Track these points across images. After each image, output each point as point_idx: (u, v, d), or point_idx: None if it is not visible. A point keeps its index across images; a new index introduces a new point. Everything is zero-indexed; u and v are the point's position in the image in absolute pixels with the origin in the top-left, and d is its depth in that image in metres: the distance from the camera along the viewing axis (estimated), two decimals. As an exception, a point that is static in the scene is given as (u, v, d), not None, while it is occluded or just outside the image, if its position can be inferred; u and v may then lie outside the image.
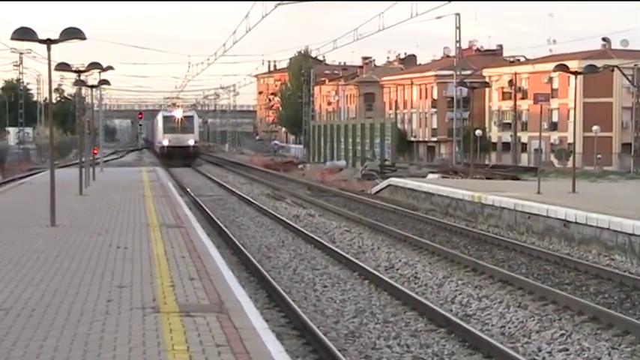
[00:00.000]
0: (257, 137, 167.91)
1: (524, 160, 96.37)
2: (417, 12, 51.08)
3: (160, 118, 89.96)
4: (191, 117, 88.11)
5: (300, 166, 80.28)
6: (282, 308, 17.27)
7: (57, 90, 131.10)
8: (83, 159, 38.76)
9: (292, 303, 17.23)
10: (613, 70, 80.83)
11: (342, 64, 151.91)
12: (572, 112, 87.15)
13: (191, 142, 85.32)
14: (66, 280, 14.91)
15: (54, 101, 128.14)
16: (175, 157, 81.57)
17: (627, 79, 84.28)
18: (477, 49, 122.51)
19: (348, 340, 15.31)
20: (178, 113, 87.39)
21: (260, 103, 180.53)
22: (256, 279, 20.84)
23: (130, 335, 10.95)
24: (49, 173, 24.55)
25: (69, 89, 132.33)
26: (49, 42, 22.79)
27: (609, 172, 66.10)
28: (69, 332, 11.11)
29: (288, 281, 21.13)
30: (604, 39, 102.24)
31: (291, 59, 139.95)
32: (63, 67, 32.44)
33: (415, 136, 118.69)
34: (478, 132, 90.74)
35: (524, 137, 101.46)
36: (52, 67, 24.88)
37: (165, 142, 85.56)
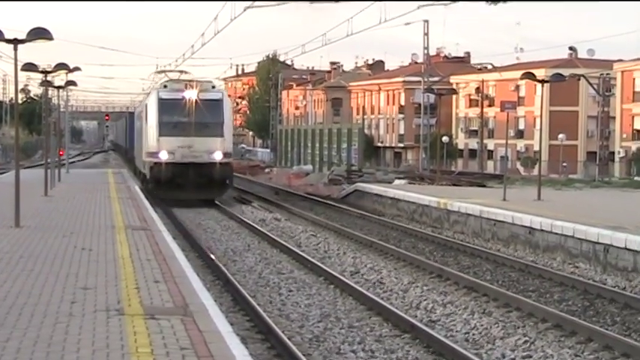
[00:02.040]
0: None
1: (490, 167, 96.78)
2: (385, 18, 51.32)
3: (152, 102, 44.89)
4: (218, 102, 44.13)
5: (266, 170, 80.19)
6: (247, 312, 17.23)
7: (23, 90, 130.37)
8: (49, 160, 38.54)
9: (257, 307, 17.19)
10: (579, 79, 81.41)
11: (310, 68, 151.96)
12: (538, 120, 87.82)
13: (217, 156, 42.99)
14: (30, 282, 14.82)
15: (20, 101, 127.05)
16: (185, 185, 42.75)
17: (593, 88, 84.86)
18: (445, 56, 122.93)
19: (312, 345, 15.29)
20: (191, 94, 43.39)
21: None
22: (221, 282, 20.78)
23: (94, 337, 10.90)
24: (14, 174, 24.38)
25: (35, 90, 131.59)
26: (15, 42, 22.65)
27: (574, 180, 66.48)
28: (32, 334, 11.04)
29: (254, 285, 21.09)
30: (571, 48, 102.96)
31: (259, 63, 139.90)
32: (29, 67, 32.26)
33: (382, 142, 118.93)
34: (445, 138, 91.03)
35: (490, 144, 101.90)
36: (19, 68, 24.72)
37: (164, 156, 42.95)
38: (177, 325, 11.65)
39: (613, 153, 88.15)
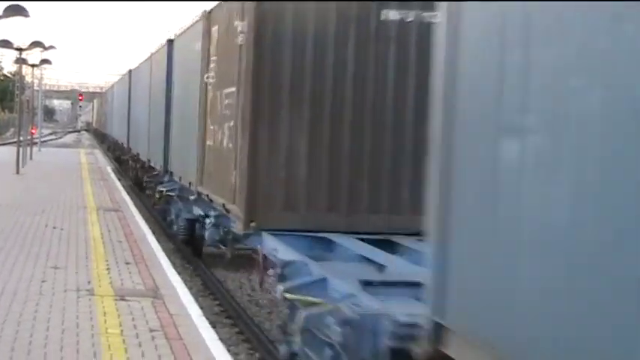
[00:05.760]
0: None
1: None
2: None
3: None
4: None
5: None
6: (217, 296, 17.25)
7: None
8: (21, 138, 38.37)
9: (226, 292, 17.21)
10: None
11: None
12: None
13: None
14: (0, 260, 14.78)
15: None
16: None
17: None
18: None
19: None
20: None
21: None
22: (192, 266, 20.79)
23: (63, 317, 10.90)
24: (-13, 151, 24.30)
25: (8, 67, 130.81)
26: (-9, 18, 22.57)
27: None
28: (1, 312, 11.03)
29: (224, 270, 21.08)
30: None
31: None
32: (4, 44, 32.11)
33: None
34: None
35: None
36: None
37: None
38: (147, 307, 11.66)
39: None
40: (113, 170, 41.56)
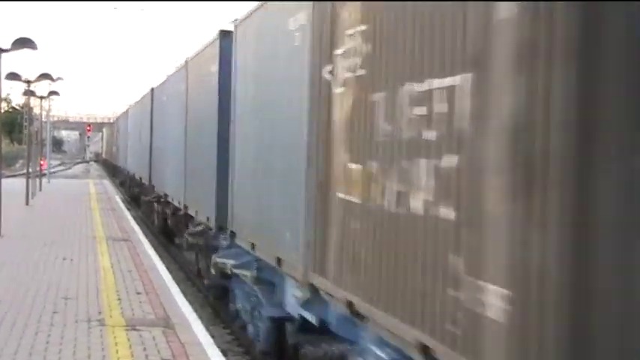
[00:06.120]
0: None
1: None
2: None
3: None
4: None
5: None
6: (228, 324, 17.22)
7: (5, 100, 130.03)
8: (30, 169, 38.45)
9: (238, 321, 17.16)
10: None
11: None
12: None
13: None
14: (11, 291, 14.80)
15: (1, 110, 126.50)
16: None
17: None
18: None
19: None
20: None
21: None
22: (202, 295, 20.75)
23: (75, 348, 10.90)
24: (-4, 183, 24.34)
25: (17, 99, 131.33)
26: None
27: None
28: (13, 343, 11.04)
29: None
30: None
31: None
32: (13, 76, 32.26)
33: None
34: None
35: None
36: (2, 77, 24.73)
37: None
38: (159, 336, 11.66)
39: None
40: (122, 200, 41.61)
